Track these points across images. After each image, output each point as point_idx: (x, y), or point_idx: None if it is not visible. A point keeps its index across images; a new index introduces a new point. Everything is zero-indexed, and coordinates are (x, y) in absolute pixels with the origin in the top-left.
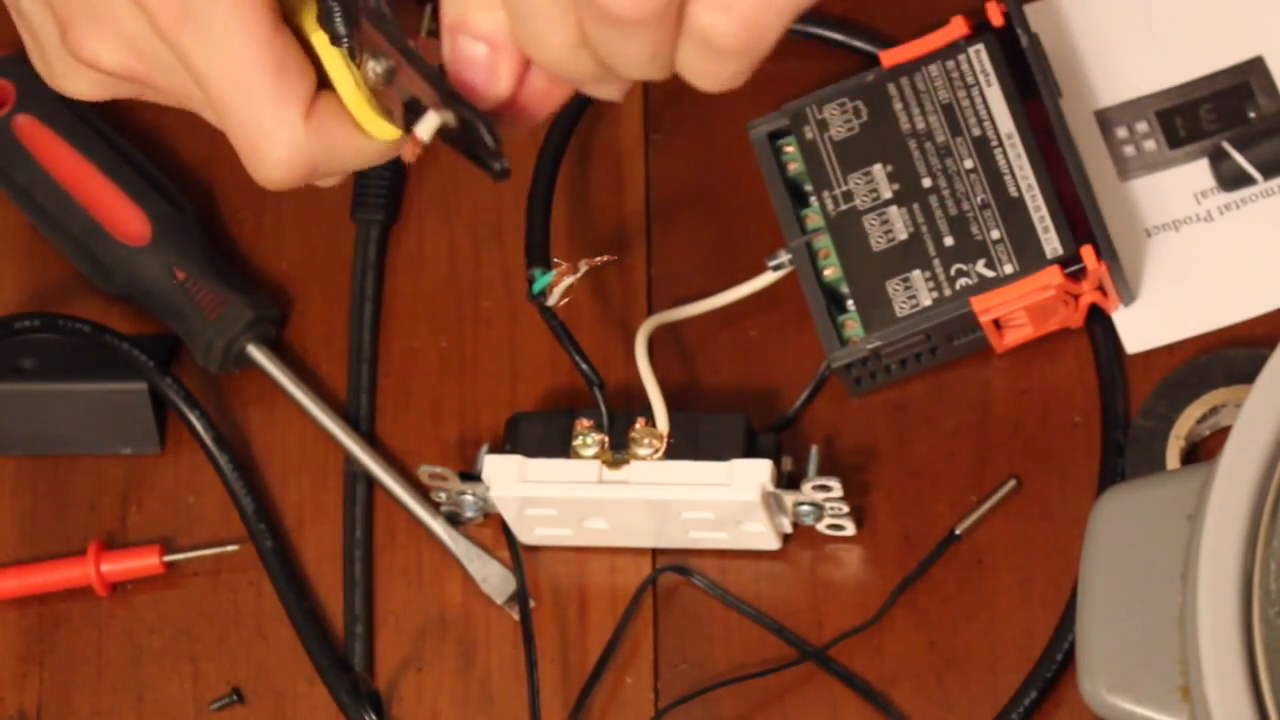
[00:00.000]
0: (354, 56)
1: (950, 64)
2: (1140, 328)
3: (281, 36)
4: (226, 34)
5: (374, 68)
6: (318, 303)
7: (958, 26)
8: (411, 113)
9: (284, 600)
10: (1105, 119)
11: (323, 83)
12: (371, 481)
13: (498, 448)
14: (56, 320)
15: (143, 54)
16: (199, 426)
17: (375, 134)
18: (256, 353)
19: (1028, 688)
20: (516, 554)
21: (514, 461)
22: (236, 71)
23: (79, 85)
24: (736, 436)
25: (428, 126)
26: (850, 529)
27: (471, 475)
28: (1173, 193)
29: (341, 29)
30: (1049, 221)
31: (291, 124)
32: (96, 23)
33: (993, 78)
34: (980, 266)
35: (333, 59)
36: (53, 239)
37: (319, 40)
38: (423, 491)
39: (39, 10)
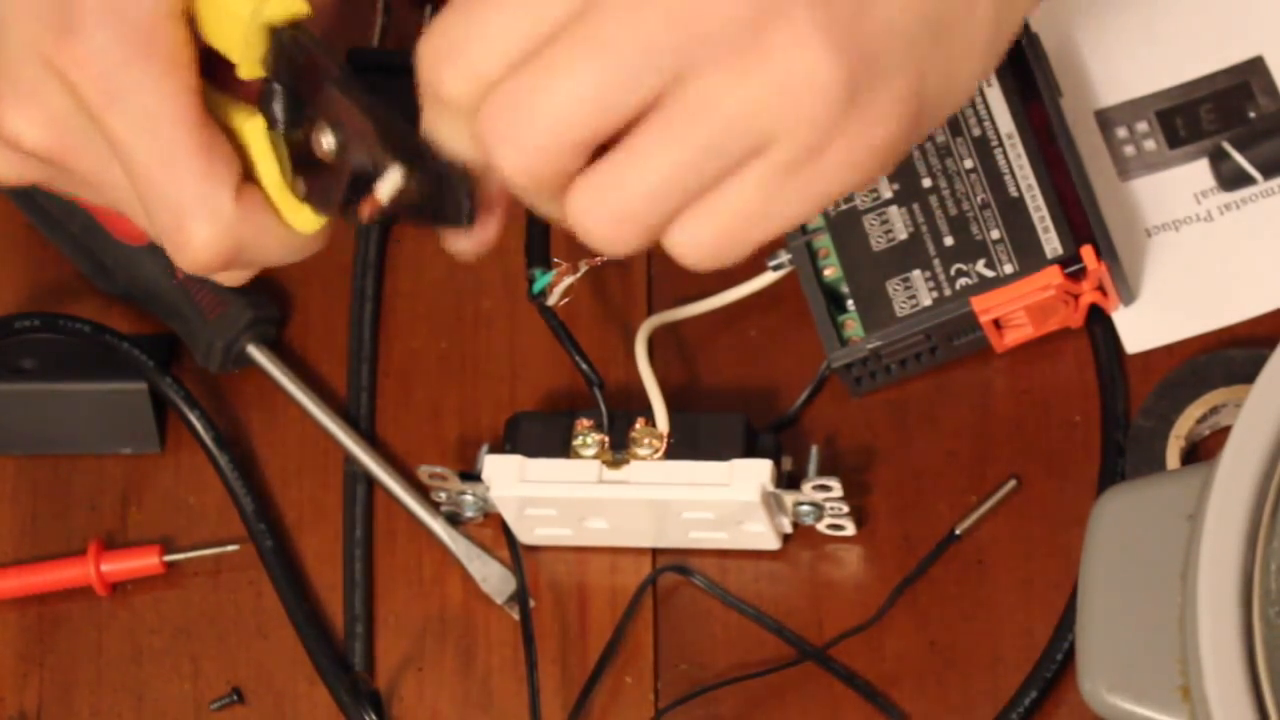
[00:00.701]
0: (294, 136)
1: None
2: (1140, 328)
3: (209, 123)
4: (155, 114)
5: (326, 142)
6: (318, 303)
7: None
8: (358, 186)
9: (284, 600)
10: (1105, 119)
11: (247, 177)
12: (371, 481)
13: (498, 448)
14: (56, 320)
15: (66, 132)
16: (199, 426)
17: (296, 225)
18: (256, 353)
19: (1028, 688)
20: (516, 554)
21: (514, 461)
22: (164, 150)
23: None
24: (736, 436)
25: (388, 186)
26: (850, 529)
27: (471, 475)
28: (1173, 193)
29: (279, 114)
30: (1049, 221)
31: (219, 204)
32: (20, 98)
33: (993, 78)
34: (980, 266)
35: (260, 148)
36: (53, 239)
37: (249, 129)
38: (423, 491)
39: None
